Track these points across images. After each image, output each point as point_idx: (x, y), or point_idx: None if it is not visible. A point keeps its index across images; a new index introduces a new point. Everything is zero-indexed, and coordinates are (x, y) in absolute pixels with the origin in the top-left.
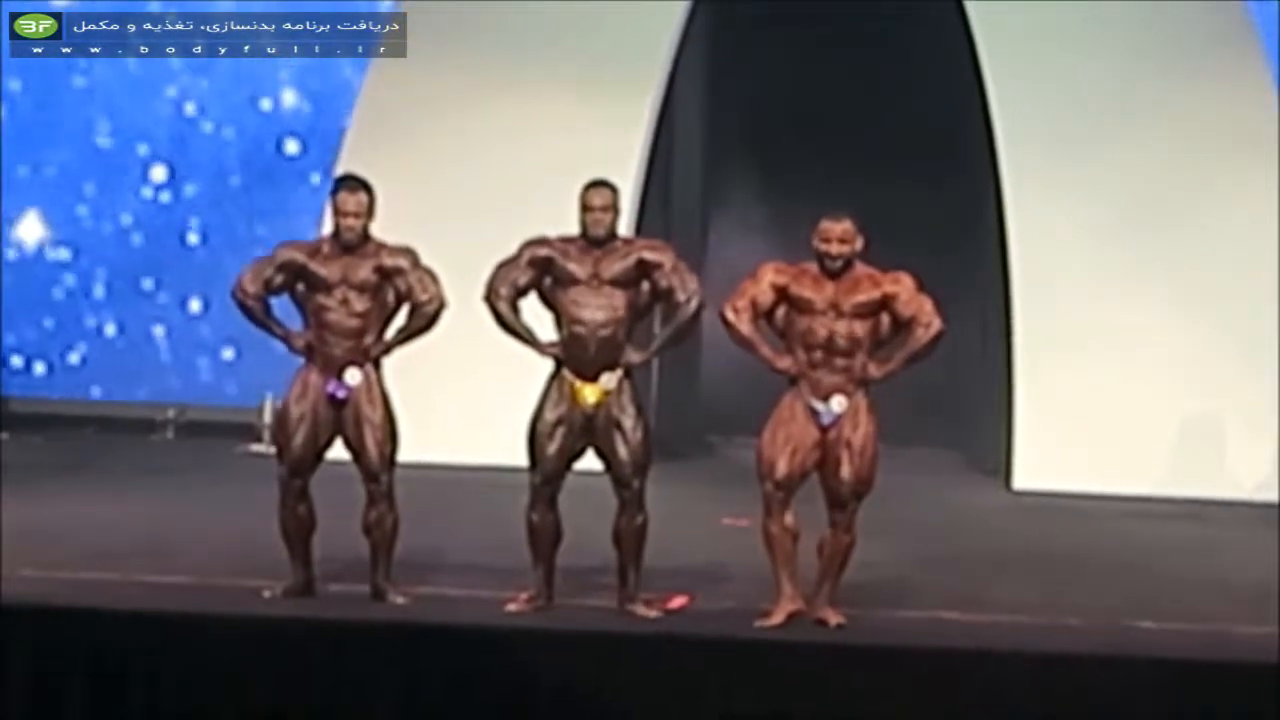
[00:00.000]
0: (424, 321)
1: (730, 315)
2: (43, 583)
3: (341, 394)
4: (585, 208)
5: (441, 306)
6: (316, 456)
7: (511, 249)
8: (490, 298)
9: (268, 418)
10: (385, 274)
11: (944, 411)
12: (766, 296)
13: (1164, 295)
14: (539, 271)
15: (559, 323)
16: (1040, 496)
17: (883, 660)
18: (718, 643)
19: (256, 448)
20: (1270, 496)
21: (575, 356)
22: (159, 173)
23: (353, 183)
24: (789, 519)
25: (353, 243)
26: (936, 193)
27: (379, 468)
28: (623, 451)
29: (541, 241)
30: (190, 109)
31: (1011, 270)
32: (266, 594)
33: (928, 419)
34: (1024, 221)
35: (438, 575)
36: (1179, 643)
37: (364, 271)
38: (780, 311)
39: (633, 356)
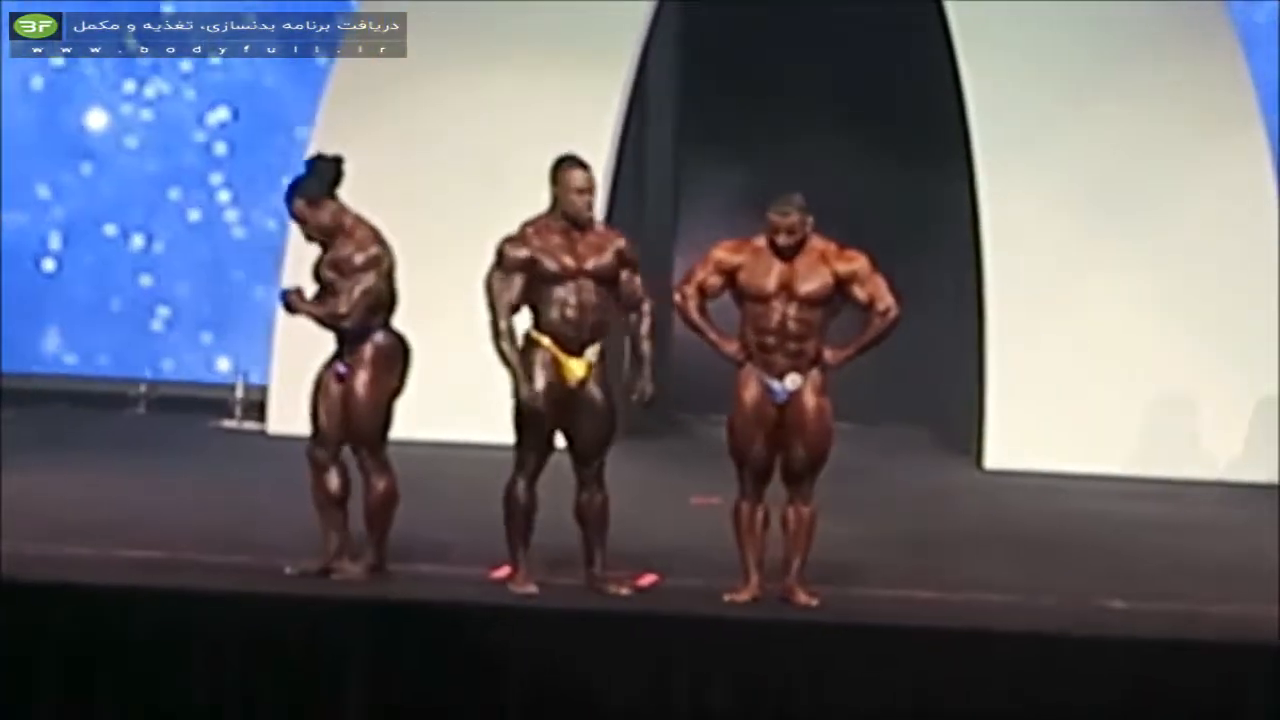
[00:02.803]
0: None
1: (678, 299)
2: (14, 558)
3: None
4: (571, 189)
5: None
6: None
7: (483, 225)
8: (495, 330)
9: (239, 394)
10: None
11: (915, 390)
12: (715, 280)
13: (1136, 273)
14: (527, 275)
15: (541, 303)
16: (1012, 476)
17: (854, 638)
18: (688, 621)
19: (229, 423)
20: (1242, 476)
21: (561, 335)
22: None
23: (292, 190)
24: (762, 504)
25: (321, 241)
26: (908, 169)
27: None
28: (589, 428)
29: (520, 240)
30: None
31: (983, 248)
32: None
33: (899, 397)
34: (996, 199)
35: (410, 552)
36: (1150, 622)
37: (328, 269)
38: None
39: (648, 388)
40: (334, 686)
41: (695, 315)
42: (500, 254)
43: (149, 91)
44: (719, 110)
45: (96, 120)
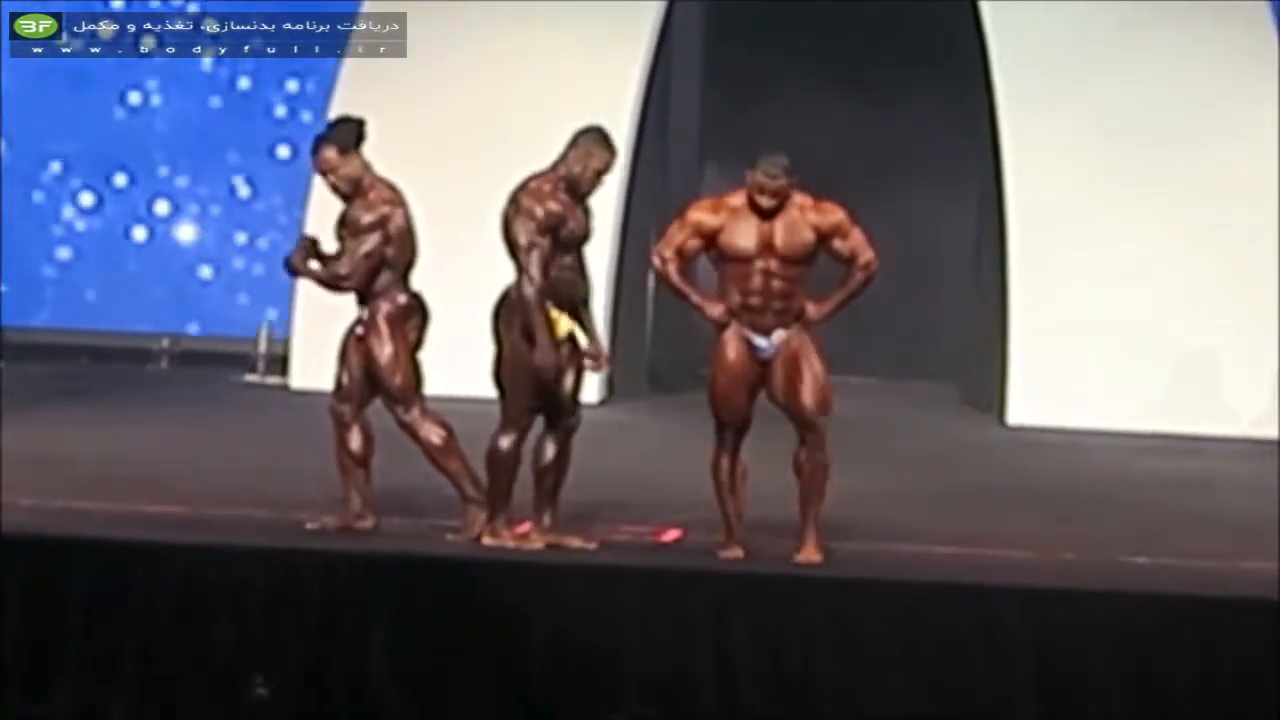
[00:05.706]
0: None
1: (657, 264)
2: (40, 512)
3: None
4: (595, 168)
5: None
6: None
7: (504, 182)
8: (538, 291)
9: (262, 348)
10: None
11: (939, 345)
12: (694, 243)
13: (1162, 227)
14: (555, 232)
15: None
16: (1035, 431)
17: (876, 594)
18: (709, 576)
19: (252, 378)
20: (1267, 432)
21: (558, 294)
22: None
23: (319, 139)
24: (740, 458)
25: (343, 194)
26: (932, 122)
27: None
28: (569, 384)
29: (545, 198)
30: None
31: (1006, 202)
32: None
33: (922, 353)
34: (1020, 151)
35: (431, 506)
36: (1174, 578)
37: (340, 228)
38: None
39: (600, 362)
40: (356, 642)
41: (676, 279)
42: (529, 211)
43: None
44: (744, 63)
45: None
